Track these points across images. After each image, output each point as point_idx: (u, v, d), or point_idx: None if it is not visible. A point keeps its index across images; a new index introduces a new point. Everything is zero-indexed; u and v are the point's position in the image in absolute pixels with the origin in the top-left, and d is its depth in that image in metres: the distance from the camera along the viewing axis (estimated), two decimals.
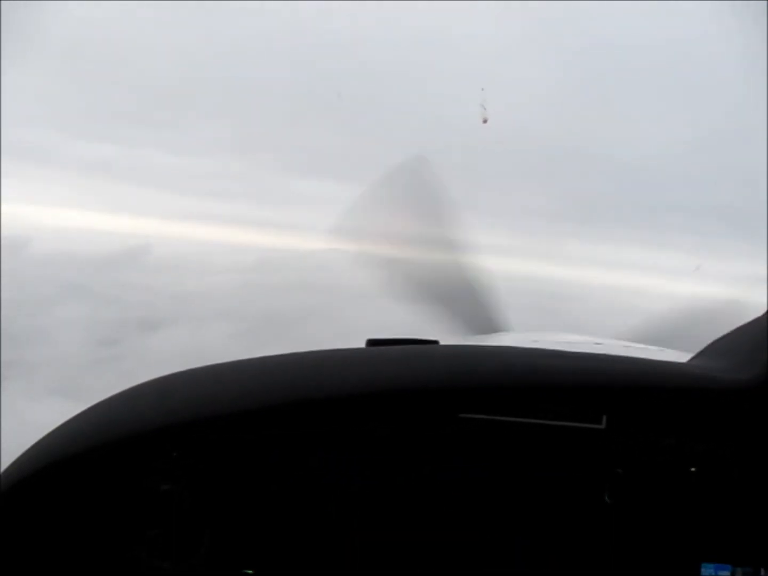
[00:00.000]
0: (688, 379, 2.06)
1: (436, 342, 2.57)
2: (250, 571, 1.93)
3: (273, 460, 1.94)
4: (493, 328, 5.73)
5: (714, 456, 1.93)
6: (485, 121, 6.06)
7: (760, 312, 2.30)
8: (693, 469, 1.91)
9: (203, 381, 2.16)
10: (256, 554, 1.94)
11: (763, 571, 1.89)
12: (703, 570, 1.91)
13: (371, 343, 2.51)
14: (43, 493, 1.90)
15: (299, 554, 1.94)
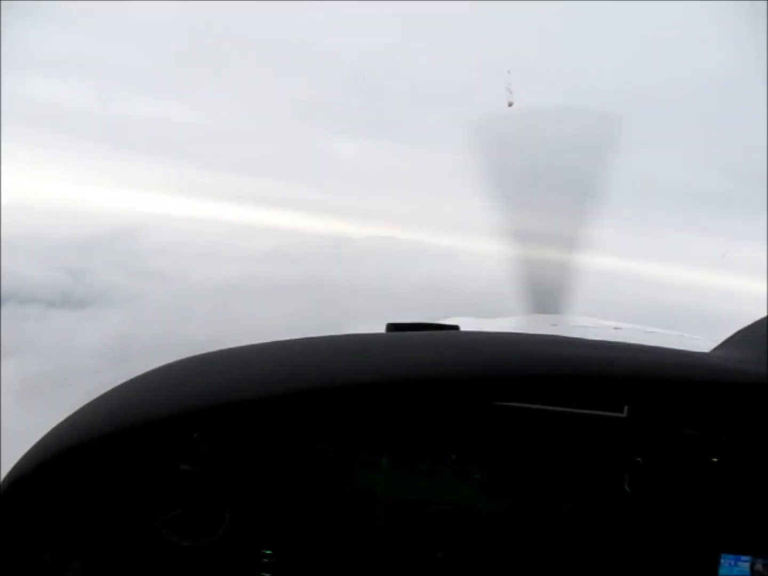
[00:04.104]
0: (710, 371, 2.05)
1: (456, 327, 2.56)
2: (268, 551, 1.97)
3: (292, 445, 1.96)
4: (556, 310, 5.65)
5: (735, 447, 1.92)
6: (510, 105, 6.06)
7: None
8: (714, 460, 1.91)
9: (221, 365, 2.16)
10: (275, 535, 1.97)
11: None
12: (722, 561, 1.91)
13: (392, 327, 2.50)
14: (59, 479, 1.89)
15: (318, 536, 1.98)
